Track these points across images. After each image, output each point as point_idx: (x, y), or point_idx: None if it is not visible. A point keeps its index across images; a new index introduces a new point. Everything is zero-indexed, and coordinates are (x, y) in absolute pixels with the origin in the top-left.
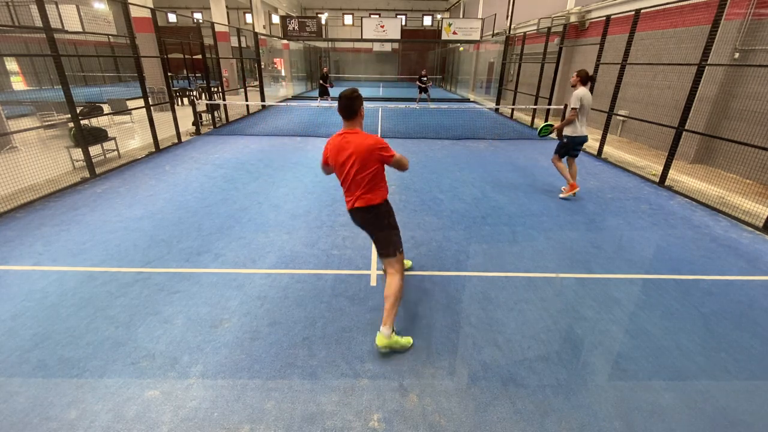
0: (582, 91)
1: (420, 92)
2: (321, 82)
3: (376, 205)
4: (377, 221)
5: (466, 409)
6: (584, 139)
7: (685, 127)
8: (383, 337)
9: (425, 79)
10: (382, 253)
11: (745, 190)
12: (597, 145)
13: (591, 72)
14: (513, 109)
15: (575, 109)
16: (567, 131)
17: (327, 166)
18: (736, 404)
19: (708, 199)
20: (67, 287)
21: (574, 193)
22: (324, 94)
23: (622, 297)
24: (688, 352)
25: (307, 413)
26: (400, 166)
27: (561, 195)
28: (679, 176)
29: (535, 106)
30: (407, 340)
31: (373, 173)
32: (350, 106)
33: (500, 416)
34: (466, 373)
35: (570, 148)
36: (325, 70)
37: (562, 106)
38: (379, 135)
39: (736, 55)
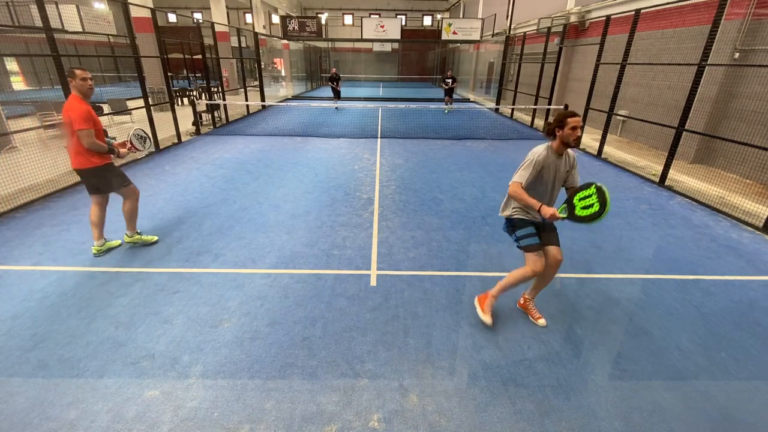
0: (539, 150)
1: (445, 95)
2: (331, 84)
3: None
4: None
5: (466, 409)
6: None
7: (685, 127)
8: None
9: (450, 81)
10: None
11: (745, 190)
12: (597, 145)
13: (592, 73)
14: (513, 109)
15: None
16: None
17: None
18: (736, 404)
19: (708, 199)
20: (67, 287)
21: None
22: (337, 96)
23: (622, 297)
24: (688, 352)
25: (307, 413)
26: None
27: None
28: (679, 176)
29: (535, 106)
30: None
31: None
32: None
33: (500, 416)
34: (466, 373)
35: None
36: (333, 70)
37: (562, 107)
38: (379, 135)
39: (736, 55)
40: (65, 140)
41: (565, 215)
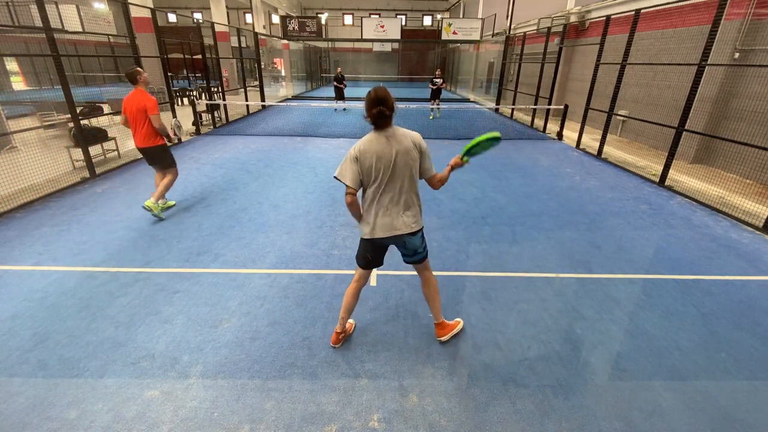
0: (360, 144)
1: (432, 97)
2: (336, 83)
3: None
4: None
5: (466, 409)
6: (389, 242)
7: (685, 127)
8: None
9: (439, 81)
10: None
11: (745, 190)
12: (597, 145)
13: (592, 73)
14: (513, 109)
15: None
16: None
17: None
18: (736, 404)
19: (708, 199)
20: (67, 287)
21: (337, 345)
22: (341, 97)
23: (622, 297)
24: (688, 352)
25: (307, 413)
26: None
27: None
28: (679, 176)
29: (535, 106)
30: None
31: None
32: None
33: (500, 416)
34: (466, 373)
35: (365, 257)
36: (339, 70)
37: (562, 107)
38: None
39: (736, 55)
40: (128, 125)
41: (467, 159)
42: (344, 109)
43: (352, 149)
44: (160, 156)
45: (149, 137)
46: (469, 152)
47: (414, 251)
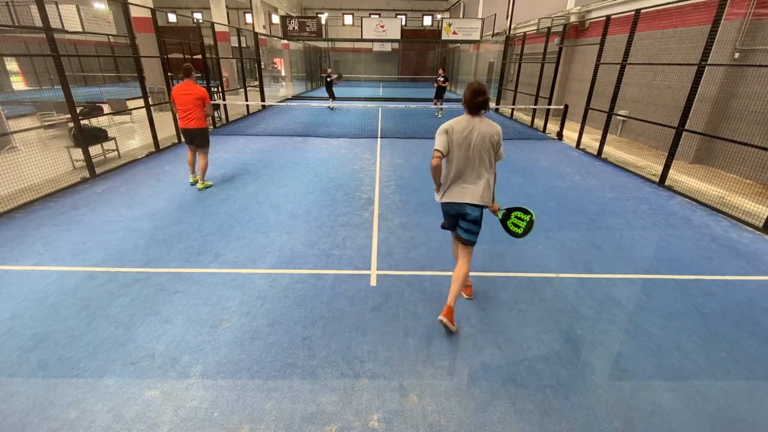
0: (451, 122)
1: (436, 96)
2: (328, 79)
3: None
4: None
5: (466, 409)
6: (455, 210)
7: (685, 127)
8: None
9: (442, 79)
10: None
11: (745, 190)
12: (597, 145)
13: (592, 73)
14: (513, 109)
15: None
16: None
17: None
18: (736, 404)
19: (708, 199)
20: (67, 287)
21: (470, 293)
22: (331, 94)
23: (622, 297)
24: (688, 352)
25: (307, 413)
26: None
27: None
28: (679, 176)
29: (535, 106)
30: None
31: None
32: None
33: (500, 416)
34: (466, 373)
35: (447, 221)
36: (329, 70)
37: (562, 107)
38: (379, 135)
39: (736, 55)
40: (180, 112)
41: (499, 216)
42: (331, 108)
43: (443, 125)
44: (204, 136)
45: (200, 120)
46: (506, 218)
47: (474, 221)
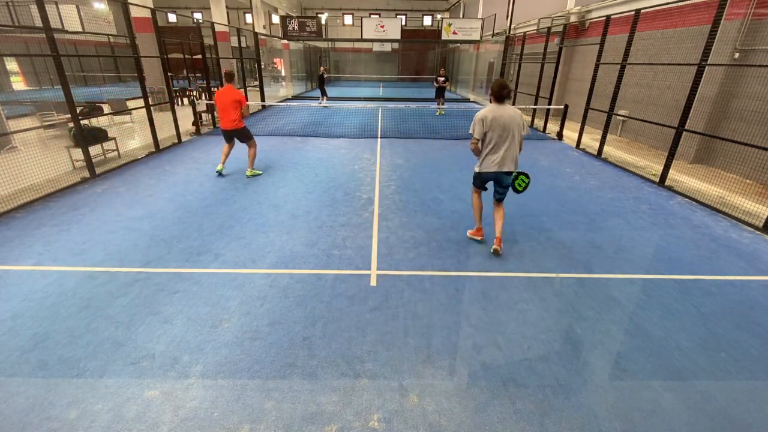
0: (485, 111)
1: (437, 96)
2: (324, 76)
3: None
4: None
5: (466, 409)
6: (493, 176)
7: (685, 127)
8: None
9: (442, 79)
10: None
11: (745, 190)
12: (597, 145)
13: (592, 73)
14: None
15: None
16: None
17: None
18: (736, 404)
19: (708, 199)
20: (67, 287)
21: (481, 238)
22: (323, 92)
23: (622, 297)
24: (688, 352)
25: (307, 413)
26: None
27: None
28: (679, 176)
29: (535, 106)
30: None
31: None
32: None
33: (500, 416)
34: (466, 373)
35: (480, 183)
36: (322, 69)
37: (562, 107)
38: (379, 135)
39: (736, 55)
40: (219, 113)
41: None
42: (322, 105)
43: (478, 114)
44: (243, 134)
45: (237, 121)
46: (515, 177)
47: (507, 186)
